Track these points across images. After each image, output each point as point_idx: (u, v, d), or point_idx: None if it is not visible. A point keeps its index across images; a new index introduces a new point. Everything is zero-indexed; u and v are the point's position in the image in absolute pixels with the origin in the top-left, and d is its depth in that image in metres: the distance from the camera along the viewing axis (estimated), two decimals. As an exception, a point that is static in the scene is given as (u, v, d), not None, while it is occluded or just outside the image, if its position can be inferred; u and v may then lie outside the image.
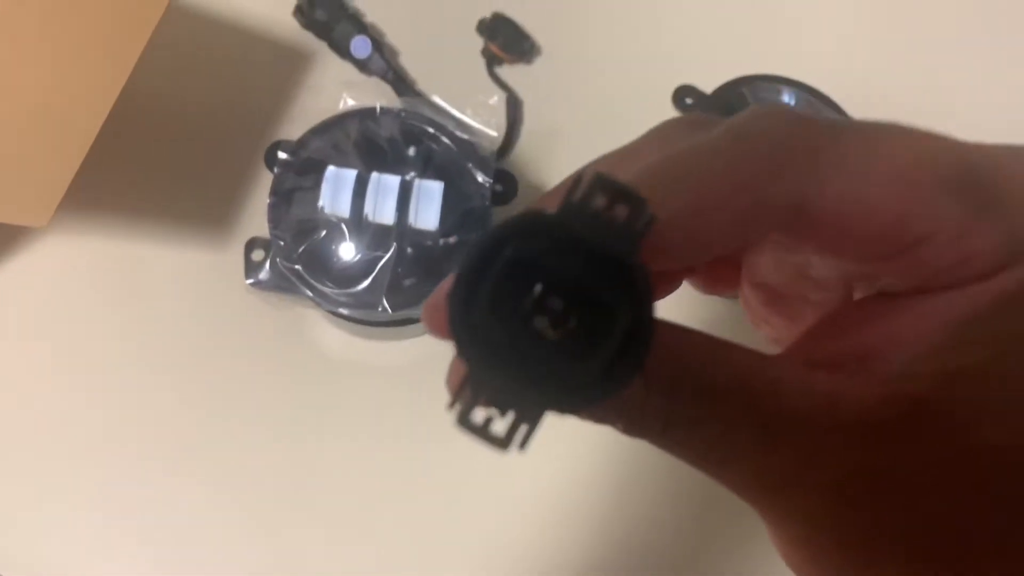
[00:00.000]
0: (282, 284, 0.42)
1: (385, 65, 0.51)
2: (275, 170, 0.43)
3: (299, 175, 0.42)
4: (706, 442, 0.15)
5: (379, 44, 0.51)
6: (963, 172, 0.15)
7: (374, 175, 0.42)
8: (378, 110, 0.44)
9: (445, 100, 0.50)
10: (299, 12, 0.51)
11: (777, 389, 0.15)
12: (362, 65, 0.51)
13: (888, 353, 0.15)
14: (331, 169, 0.42)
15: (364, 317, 0.42)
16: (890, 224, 0.14)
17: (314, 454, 0.43)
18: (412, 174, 0.43)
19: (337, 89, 0.44)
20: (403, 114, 0.44)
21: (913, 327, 0.15)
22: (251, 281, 0.42)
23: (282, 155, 0.43)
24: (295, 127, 0.46)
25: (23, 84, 0.36)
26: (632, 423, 0.15)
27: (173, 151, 0.48)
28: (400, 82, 0.51)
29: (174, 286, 0.45)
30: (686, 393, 0.15)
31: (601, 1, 0.55)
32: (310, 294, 0.41)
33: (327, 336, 0.45)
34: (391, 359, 0.45)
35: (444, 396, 0.14)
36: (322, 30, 0.51)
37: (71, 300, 0.45)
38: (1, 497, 0.41)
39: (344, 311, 0.41)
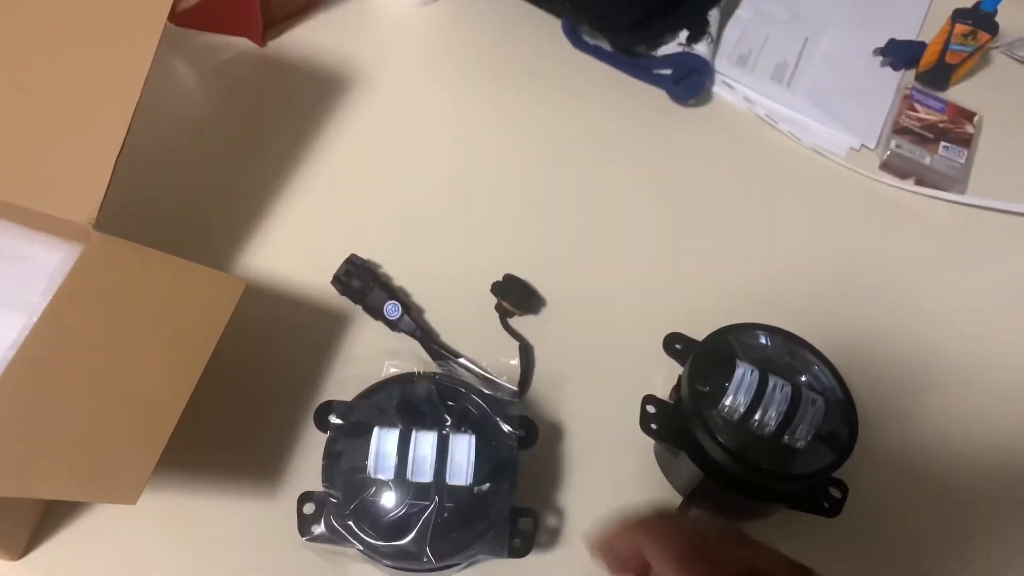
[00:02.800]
0: (334, 538, 0.46)
1: (413, 324, 0.58)
2: (328, 433, 0.49)
3: (349, 437, 0.48)
4: None
5: (407, 307, 0.59)
6: None
7: (414, 432, 0.48)
8: (416, 375, 0.50)
9: (465, 350, 0.58)
10: (337, 281, 0.60)
11: None
12: (393, 324, 0.58)
13: None
14: (377, 431, 0.48)
15: (410, 567, 0.47)
16: None
17: None
18: (447, 429, 0.49)
19: (380, 357, 0.51)
20: (437, 377, 0.51)
21: None
22: (307, 537, 0.47)
23: (334, 419, 0.49)
24: (338, 388, 0.53)
25: (118, 382, 0.43)
26: None
27: (228, 411, 0.54)
28: (427, 337, 0.58)
29: (227, 534, 0.50)
30: None
31: (597, 261, 0.64)
32: (360, 548, 0.45)
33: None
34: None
35: None
36: (357, 296, 0.59)
37: (135, 548, 0.49)
38: None
39: (390, 563, 0.46)
